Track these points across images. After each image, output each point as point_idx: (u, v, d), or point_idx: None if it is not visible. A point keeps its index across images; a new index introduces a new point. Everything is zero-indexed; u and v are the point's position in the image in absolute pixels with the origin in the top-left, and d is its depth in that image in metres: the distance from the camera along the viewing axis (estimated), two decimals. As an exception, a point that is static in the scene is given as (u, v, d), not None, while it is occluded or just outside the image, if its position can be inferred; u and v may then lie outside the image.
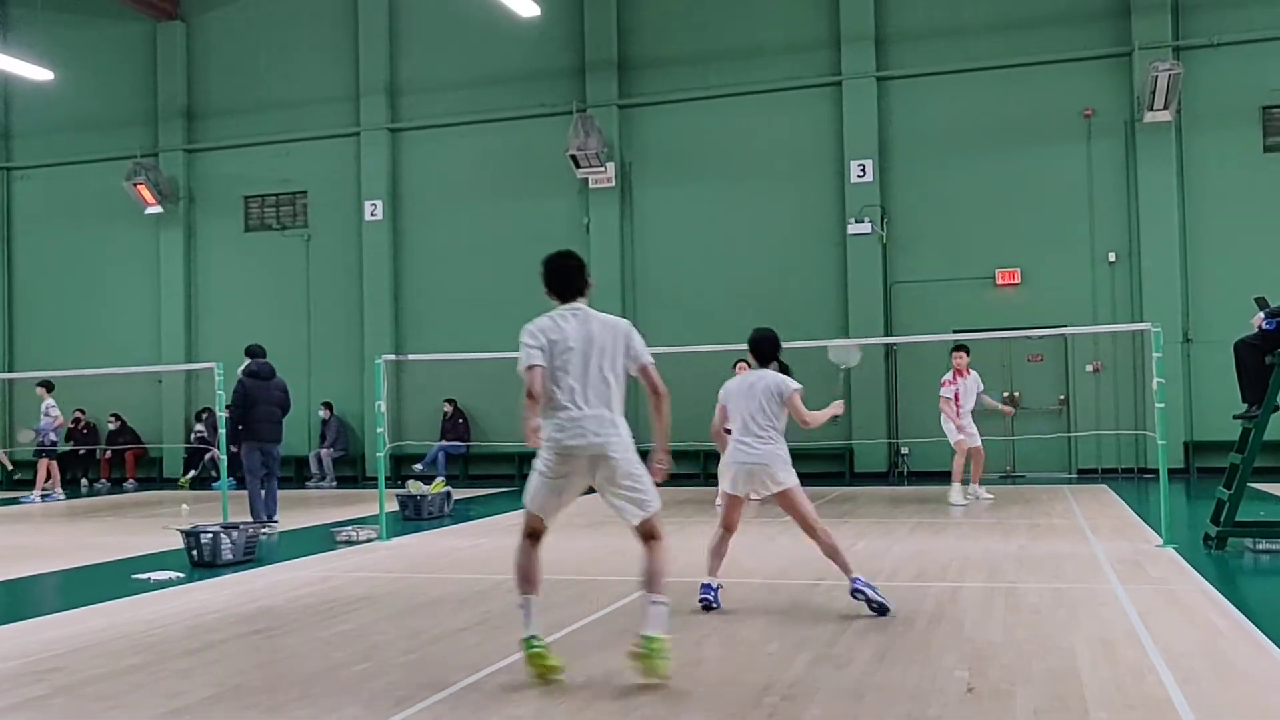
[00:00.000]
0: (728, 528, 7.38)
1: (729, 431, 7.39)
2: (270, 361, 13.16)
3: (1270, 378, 9.25)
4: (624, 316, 5.84)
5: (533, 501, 5.62)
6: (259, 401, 12.69)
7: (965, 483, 14.24)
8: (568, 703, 5.02)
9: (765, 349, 7.41)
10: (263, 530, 11.30)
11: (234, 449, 12.72)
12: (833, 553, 7.09)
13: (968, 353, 14.23)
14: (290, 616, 7.32)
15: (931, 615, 6.86)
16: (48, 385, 19.10)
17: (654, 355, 5.72)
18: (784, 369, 7.61)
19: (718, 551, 7.39)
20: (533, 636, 5.46)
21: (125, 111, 23.40)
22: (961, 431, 14.14)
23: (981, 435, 14.46)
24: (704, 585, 7.24)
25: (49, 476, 18.89)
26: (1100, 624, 6.50)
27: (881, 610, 6.80)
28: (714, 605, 7.14)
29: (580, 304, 5.70)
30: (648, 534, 5.59)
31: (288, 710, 5.02)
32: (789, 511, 7.19)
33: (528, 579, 5.61)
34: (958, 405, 14.17)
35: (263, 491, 12.71)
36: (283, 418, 13.09)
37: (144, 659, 6.16)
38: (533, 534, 5.64)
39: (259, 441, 12.63)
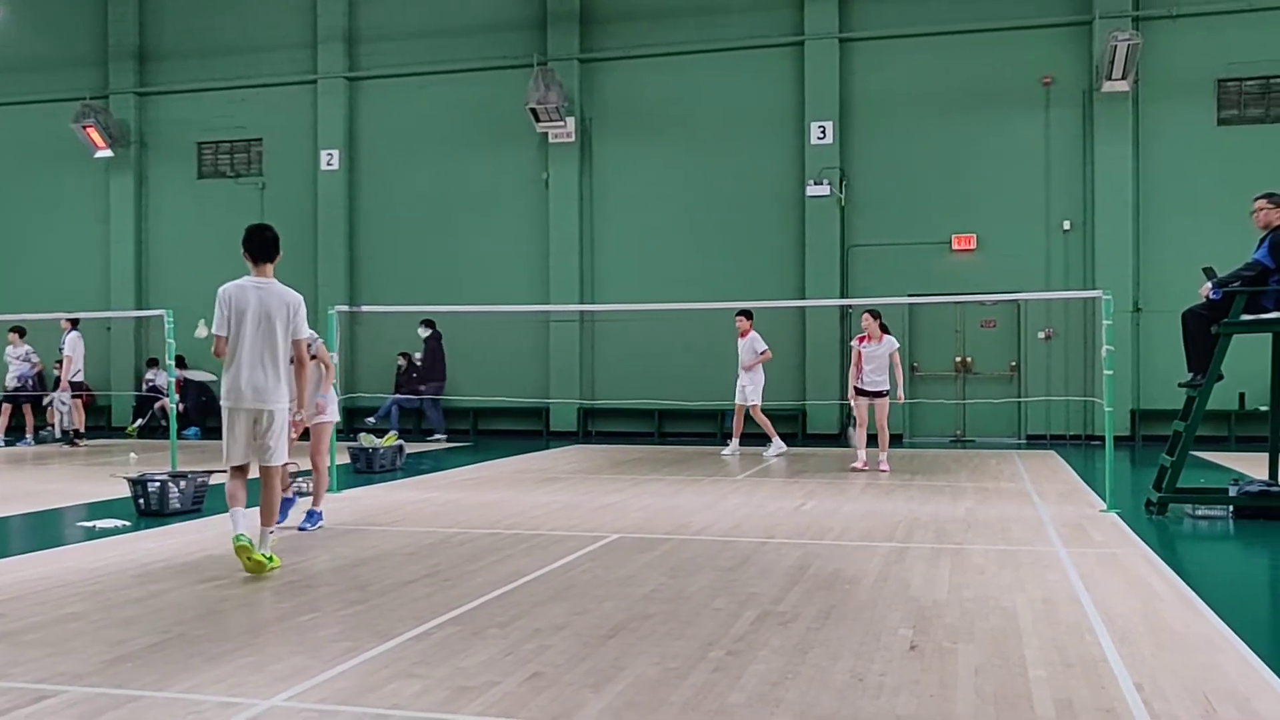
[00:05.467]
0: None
1: None
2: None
3: (1215, 347, 9.41)
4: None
5: None
6: (439, 359, 19.38)
7: None
8: (515, 654, 5.04)
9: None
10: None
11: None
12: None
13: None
14: (237, 566, 7.27)
15: (878, 574, 6.95)
16: (20, 330, 18.97)
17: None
18: None
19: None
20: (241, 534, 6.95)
21: (74, 51, 22.87)
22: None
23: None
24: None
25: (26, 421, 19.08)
26: (1043, 585, 6.61)
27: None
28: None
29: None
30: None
31: (232, 659, 5.00)
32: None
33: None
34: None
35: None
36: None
37: (87, 606, 6.11)
38: None
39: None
